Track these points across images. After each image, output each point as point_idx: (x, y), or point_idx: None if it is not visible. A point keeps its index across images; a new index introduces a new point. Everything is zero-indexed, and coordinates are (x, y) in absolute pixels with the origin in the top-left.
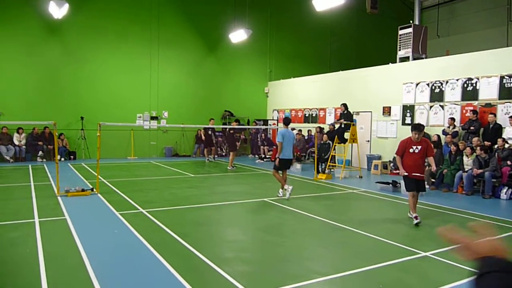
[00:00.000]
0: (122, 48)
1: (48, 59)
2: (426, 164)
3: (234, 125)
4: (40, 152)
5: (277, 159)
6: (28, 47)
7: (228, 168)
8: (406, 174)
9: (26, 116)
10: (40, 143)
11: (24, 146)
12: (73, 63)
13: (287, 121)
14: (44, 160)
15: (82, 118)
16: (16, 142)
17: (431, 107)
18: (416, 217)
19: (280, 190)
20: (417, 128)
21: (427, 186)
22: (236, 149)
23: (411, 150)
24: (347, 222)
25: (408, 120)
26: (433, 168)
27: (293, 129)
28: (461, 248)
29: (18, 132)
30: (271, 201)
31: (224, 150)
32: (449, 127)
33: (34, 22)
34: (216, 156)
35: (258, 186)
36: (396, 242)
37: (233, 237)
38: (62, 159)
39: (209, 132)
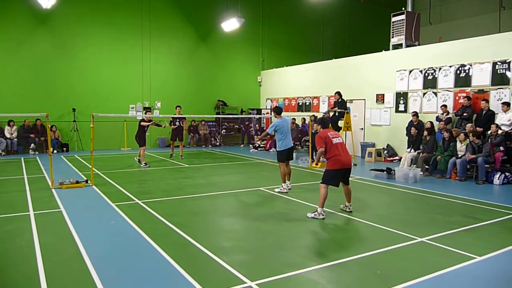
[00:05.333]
0: (114, 38)
1: (38, 50)
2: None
3: (149, 116)
4: (32, 145)
5: (277, 152)
6: (17, 38)
7: (142, 165)
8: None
9: (17, 108)
10: (32, 135)
11: (15, 139)
12: (64, 54)
13: (279, 110)
14: (36, 152)
15: (74, 109)
16: (7, 135)
17: (424, 94)
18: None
19: (283, 184)
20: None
21: (420, 173)
22: (145, 144)
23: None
24: (342, 209)
25: (401, 108)
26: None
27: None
28: None
29: (9, 125)
30: (266, 190)
31: (218, 140)
32: (442, 113)
33: (22, 13)
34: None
35: (253, 176)
36: (392, 228)
37: (230, 227)
38: (55, 151)
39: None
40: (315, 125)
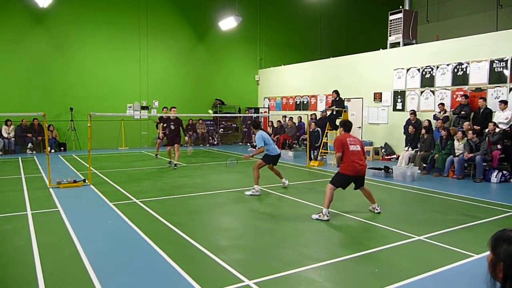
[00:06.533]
0: (111, 37)
1: (35, 50)
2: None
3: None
4: (30, 144)
5: (266, 155)
6: (14, 38)
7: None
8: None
9: (14, 108)
10: (29, 135)
11: (13, 139)
12: (61, 53)
13: (257, 124)
14: (34, 152)
15: (71, 109)
16: (5, 135)
17: (422, 92)
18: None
19: (256, 187)
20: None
21: (418, 171)
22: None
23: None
24: (340, 208)
25: (399, 106)
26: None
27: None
28: None
29: (6, 124)
30: (264, 189)
31: (216, 139)
32: (440, 112)
33: (19, 12)
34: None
35: (250, 175)
36: (390, 227)
37: (227, 225)
38: (52, 150)
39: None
40: (312, 123)
